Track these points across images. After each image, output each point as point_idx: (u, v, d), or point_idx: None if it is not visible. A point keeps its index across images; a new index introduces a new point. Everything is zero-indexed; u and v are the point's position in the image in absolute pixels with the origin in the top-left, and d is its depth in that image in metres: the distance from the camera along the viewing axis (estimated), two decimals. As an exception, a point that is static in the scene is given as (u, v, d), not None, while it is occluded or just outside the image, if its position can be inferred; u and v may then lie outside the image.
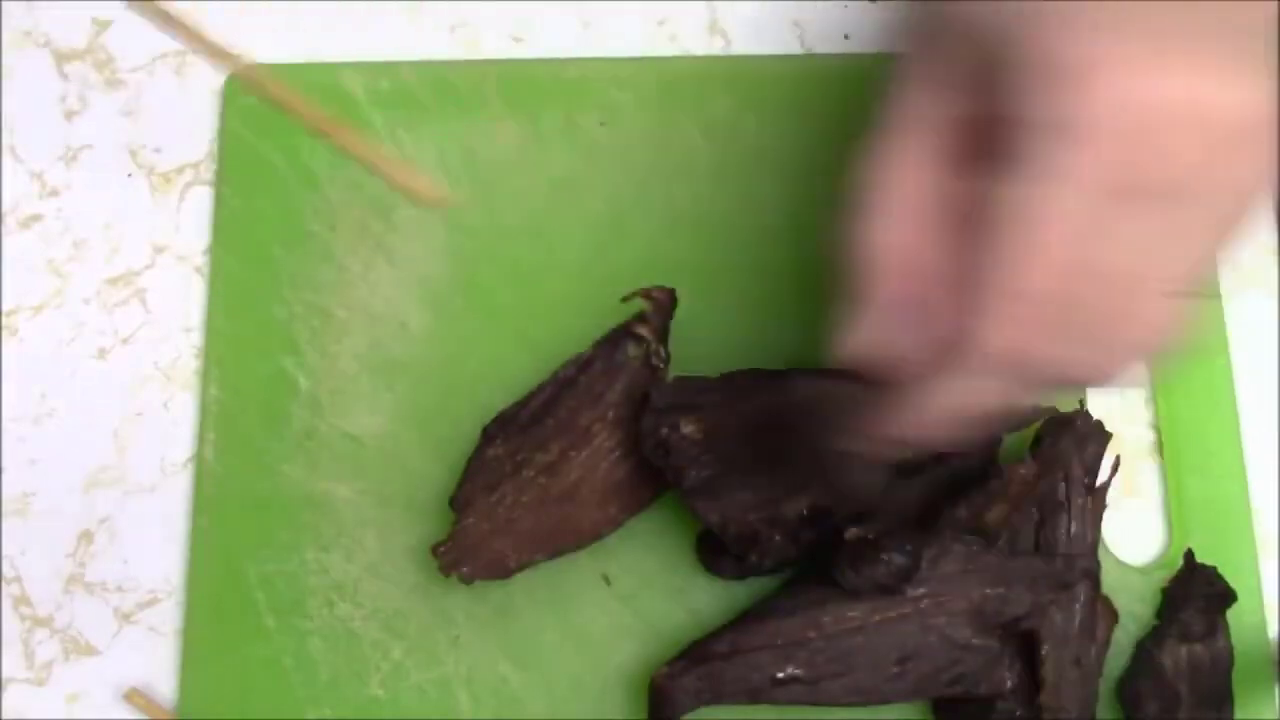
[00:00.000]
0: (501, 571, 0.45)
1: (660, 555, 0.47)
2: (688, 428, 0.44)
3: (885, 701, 0.43)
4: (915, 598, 0.43)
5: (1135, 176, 0.29)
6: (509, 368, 0.49)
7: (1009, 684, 0.44)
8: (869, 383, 0.35)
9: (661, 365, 0.46)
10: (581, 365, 0.47)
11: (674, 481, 0.44)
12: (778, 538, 0.43)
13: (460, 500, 0.45)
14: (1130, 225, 0.30)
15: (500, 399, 0.47)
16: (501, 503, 0.45)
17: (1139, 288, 0.31)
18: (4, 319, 0.51)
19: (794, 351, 0.49)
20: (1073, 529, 0.45)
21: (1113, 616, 0.45)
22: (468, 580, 0.45)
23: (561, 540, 0.46)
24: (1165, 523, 0.49)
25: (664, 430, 0.44)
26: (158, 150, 0.53)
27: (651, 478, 0.46)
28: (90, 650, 0.47)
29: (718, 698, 0.43)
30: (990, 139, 0.31)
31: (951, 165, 0.33)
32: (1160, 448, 0.49)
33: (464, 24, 0.55)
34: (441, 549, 0.45)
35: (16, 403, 0.50)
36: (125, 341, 0.51)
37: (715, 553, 0.46)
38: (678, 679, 0.43)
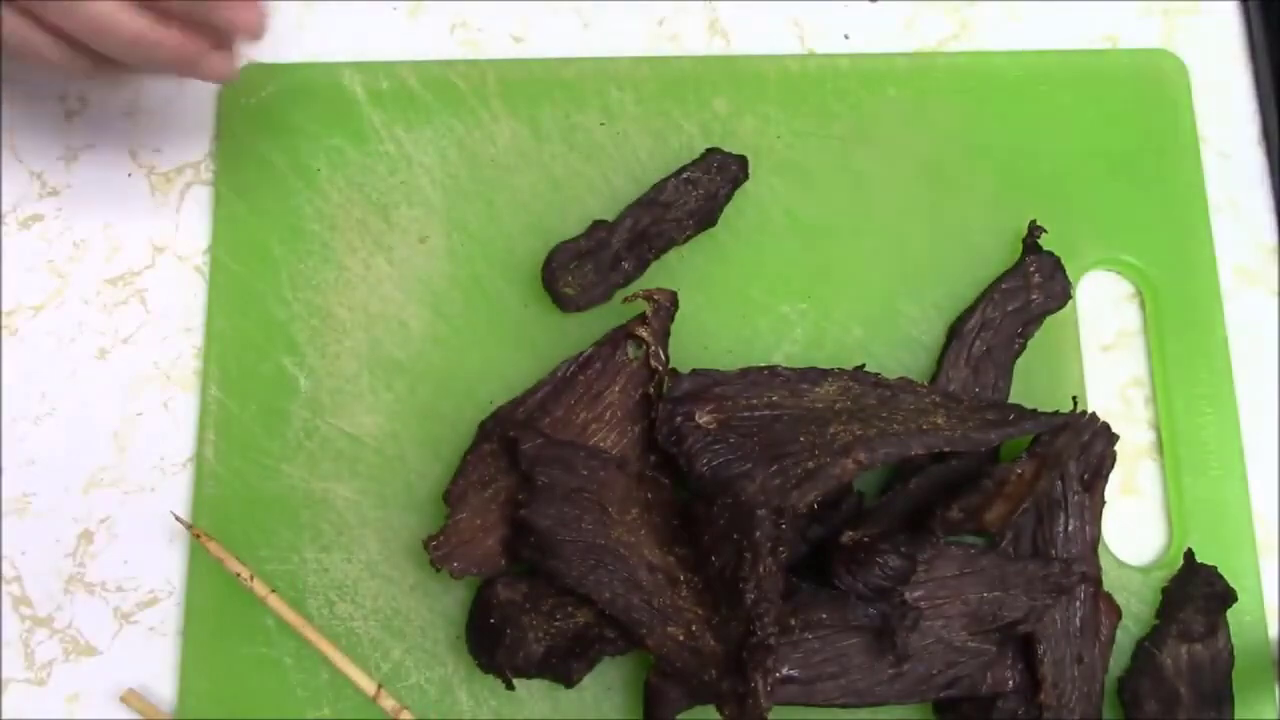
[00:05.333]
0: (492, 567, 0.45)
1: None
2: (702, 417, 0.44)
3: (882, 703, 0.43)
4: (913, 600, 0.43)
5: None
6: (509, 368, 0.49)
7: (1011, 683, 0.44)
8: None
9: (660, 368, 0.46)
10: (581, 365, 0.47)
11: (685, 469, 0.44)
12: (784, 527, 0.43)
13: (453, 495, 0.45)
14: None
15: (500, 399, 0.47)
16: (495, 499, 0.45)
17: None
18: (4, 319, 0.51)
19: (793, 351, 0.49)
20: (1070, 526, 0.46)
21: (1115, 613, 0.45)
22: (457, 575, 0.45)
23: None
24: (1165, 523, 0.49)
25: (678, 419, 0.44)
26: (158, 150, 0.53)
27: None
28: (90, 650, 0.47)
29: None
30: None
31: None
32: (1160, 448, 0.49)
33: (464, 24, 0.55)
34: (434, 543, 0.45)
35: (16, 403, 0.50)
36: (125, 341, 0.51)
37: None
38: (671, 678, 0.43)
